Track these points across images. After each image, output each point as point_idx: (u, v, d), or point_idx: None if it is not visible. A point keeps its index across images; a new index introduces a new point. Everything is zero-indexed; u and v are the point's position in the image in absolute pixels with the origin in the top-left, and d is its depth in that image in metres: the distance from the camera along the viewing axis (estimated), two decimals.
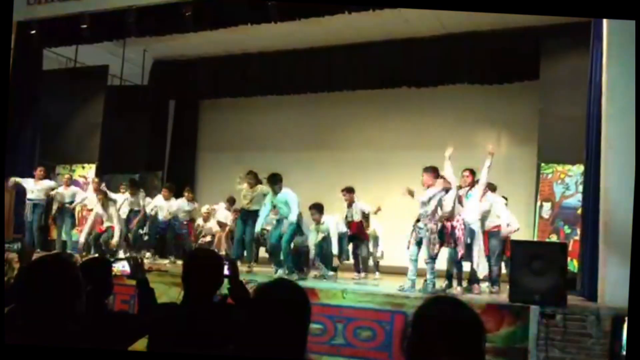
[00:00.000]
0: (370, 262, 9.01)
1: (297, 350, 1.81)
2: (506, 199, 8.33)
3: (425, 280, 6.80)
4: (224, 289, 2.91)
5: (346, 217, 8.59)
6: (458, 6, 5.25)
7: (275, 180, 7.92)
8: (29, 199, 9.63)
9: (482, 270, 7.21)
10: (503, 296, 6.34)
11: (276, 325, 1.78)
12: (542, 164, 8.75)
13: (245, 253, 8.86)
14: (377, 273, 8.90)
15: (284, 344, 1.78)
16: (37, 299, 1.96)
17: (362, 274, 8.62)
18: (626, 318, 4.65)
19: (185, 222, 9.92)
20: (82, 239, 9.58)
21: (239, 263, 8.65)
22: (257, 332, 1.79)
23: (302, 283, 6.09)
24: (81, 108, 11.07)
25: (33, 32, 9.75)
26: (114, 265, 3.28)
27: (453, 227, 6.89)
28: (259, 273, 8.15)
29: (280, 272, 7.82)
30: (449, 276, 7.29)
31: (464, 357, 1.48)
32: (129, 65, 12.10)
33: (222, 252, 10.24)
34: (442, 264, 7.24)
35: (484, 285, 7.24)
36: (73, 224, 10.10)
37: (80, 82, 11.08)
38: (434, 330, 1.50)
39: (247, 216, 8.71)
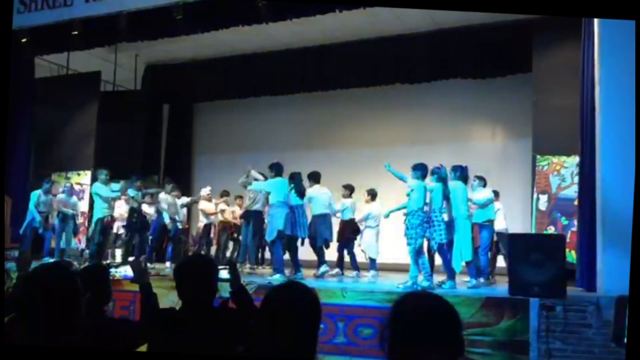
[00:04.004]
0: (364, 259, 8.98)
1: (308, 352, 1.82)
2: (497, 192, 8.33)
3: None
4: (226, 292, 2.90)
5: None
6: (454, 6, 5.23)
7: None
8: (41, 212, 9.52)
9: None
10: (502, 289, 6.35)
11: (288, 328, 1.79)
12: (538, 156, 8.74)
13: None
14: (371, 271, 8.81)
15: (295, 347, 1.78)
16: (36, 307, 1.95)
17: (359, 272, 8.62)
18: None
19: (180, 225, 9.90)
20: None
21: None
22: (269, 334, 1.79)
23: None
24: (75, 115, 11.02)
25: (24, 40, 9.69)
26: (116, 270, 3.26)
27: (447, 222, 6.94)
28: (259, 275, 8.15)
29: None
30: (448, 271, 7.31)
31: (443, 348, 1.48)
32: (122, 71, 12.08)
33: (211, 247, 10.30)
34: (438, 259, 7.27)
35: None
36: (74, 232, 10.03)
37: (73, 89, 11.04)
38: (409, 326, 1.50)
39: (249, 216, 8.70)
